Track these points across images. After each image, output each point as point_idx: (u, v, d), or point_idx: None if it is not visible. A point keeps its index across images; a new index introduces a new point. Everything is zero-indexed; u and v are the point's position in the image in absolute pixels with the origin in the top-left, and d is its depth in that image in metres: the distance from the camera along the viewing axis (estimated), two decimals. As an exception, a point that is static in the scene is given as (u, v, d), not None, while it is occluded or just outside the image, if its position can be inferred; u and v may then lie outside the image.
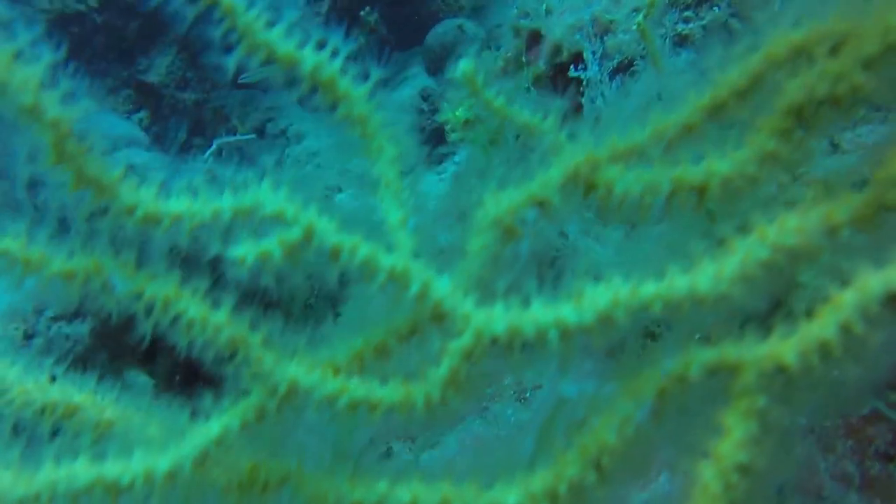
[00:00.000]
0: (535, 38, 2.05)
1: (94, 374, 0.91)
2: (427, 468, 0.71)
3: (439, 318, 0.68)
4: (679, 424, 0.58)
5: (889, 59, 0.51)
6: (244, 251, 0.72)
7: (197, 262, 0.79)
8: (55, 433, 0.86)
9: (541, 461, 0.62)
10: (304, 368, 0.72)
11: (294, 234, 0.72)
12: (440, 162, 3.61)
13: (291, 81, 0.76)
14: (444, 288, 0.67)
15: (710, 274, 0.57)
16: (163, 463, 0.71)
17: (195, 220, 0.77)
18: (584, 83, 1.61)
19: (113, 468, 0.71)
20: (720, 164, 0.62)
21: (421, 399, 0.66)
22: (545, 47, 1.89)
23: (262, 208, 0.74)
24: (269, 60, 0.74)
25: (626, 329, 0.59)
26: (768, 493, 0.54)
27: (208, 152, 3.70)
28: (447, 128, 2.18)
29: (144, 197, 0.77)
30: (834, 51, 0.54)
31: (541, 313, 0.61)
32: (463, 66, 0.75)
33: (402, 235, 0.71)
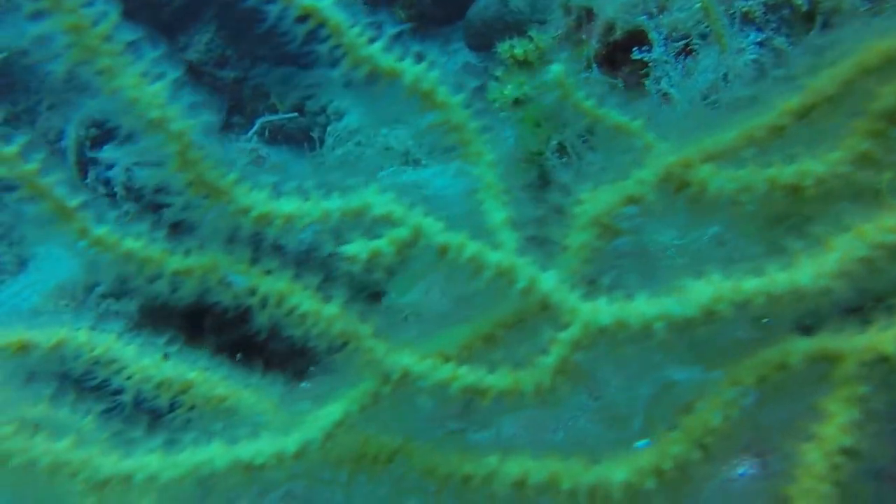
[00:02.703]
0: (586, 16, 2.04)
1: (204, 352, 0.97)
2: (535, 445, 0.77)
3: (545, 310, 0.73)
4: (780, 409, 0.63)
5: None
6: (357, 249, 0.78)
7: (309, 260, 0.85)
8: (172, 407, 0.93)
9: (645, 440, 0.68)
10: (416, 357, 0.78)
11: (403, 233, 0.78)
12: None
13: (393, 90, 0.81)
14: (550, 283, 0.72)
15: (811, 270, 0.61)
16: (291, 445, 0.78)
17: (305, 220, 0.83)
18: (650, 64, 1.62)
19: (246, 450, 0.78)
20: (814, 165, 0.66)
21: (531, 386, 0.72)
22: (597, 25, 1.89)
23: (371, 210, 0.80)
24: (373, 74, 0.79)
25: (729, 321, 0.64)
26: (868, 477, 0.59)
27: (251, 132, 3.71)
28: (495, 106, 2.20)
29: (257, 199, 0.83)
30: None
31: (645, 306, 0.66)
32: (555, 70, 0.79)
33: (505, 234, 0.76)
